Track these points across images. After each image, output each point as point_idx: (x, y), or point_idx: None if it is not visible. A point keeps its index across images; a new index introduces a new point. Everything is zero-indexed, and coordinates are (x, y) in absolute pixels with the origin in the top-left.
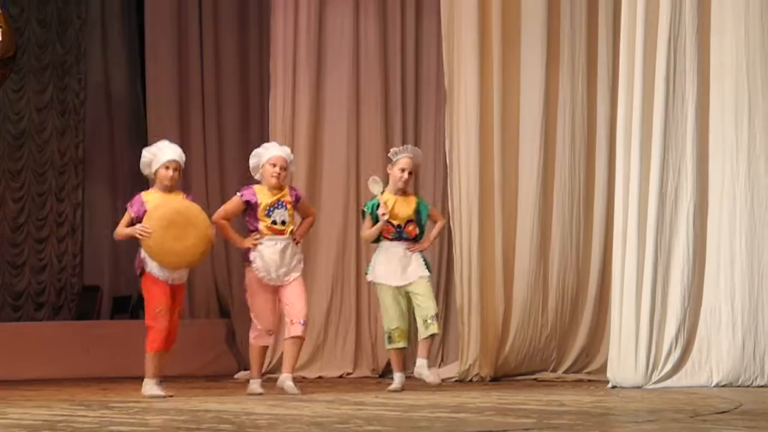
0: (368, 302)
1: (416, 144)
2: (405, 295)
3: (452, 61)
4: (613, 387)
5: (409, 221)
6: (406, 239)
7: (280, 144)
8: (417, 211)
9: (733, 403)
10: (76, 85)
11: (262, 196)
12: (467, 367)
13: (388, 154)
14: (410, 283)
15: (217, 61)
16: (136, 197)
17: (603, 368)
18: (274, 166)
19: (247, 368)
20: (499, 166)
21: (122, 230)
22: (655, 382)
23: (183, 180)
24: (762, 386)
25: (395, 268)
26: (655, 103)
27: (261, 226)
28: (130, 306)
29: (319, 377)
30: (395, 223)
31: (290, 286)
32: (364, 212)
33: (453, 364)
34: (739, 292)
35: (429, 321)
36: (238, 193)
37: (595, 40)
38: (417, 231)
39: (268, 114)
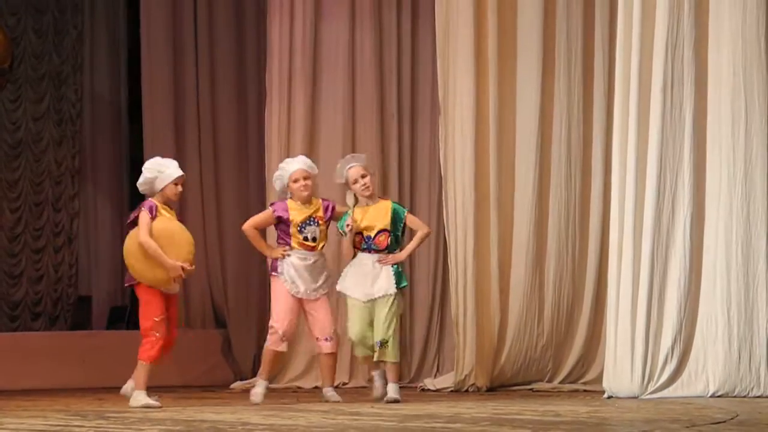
0: None
1: (412, 155)
2: (372, 307)
3: (447, 73)
4: (609, 397)
5: (381, 231)
6: (376, 250)
7: (294, 155)
8: (393, 220)
9: (729, 414)
10: (72, 96)
11: (294, 212)
12: (463, 377)
13: (336, 176)
14: (375, 299)
15: (213, 70)
16: (153, 204)
17: (599, 378)
18: (297, 181)
19: (243, 378)
20: (495, 176)
21: (167, 261)
22: (651, 393)
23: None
24: (758, 397)
25: (363, 280)
26: (651, 113)
27: (293, 242)
28: (127, 316)
29: (315, 387)
30: (365, 234)
31: (318, 302)
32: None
33: (449, 374)
34: (735, 301)
35: (377, 348)
36: (270, 207)
37: (591, 51)
38: (388, 241)
39: (264, 124)
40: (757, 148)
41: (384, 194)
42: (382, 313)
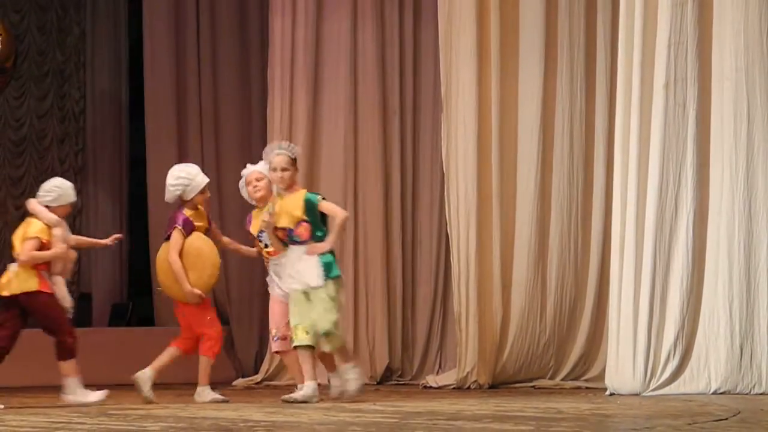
0: (365, 309)
1: (414, 151)
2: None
3: (450, 70)
4: (611, 394)
5: (300, 222)
6: (299, 242)
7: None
8: (307, 209)
9: (730, 411)
10: (76, 93)
11: (255, 222)
12: (465, 374)
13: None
14: (309, 291)
15: (215, 68)
16: (188, 221)
17: (601, 375)
18: (249, 184)
19: (245, 375)
20: (497, 174)
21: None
22: (653, 390)
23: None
24: (760, 394)
25: (291, 272)
26: (653, 111)
27: (262, 251)
28: (128, 314)
29: (317, 384)
30: (283, 226)
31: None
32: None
33: (451, 371)
34: (737, 299)
35: (321, 336)
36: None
37: (593, 48)
38: (310, 231)
39: (266, 121)
40: (760, 146)
41: (385, 191)
42: (315, 304)
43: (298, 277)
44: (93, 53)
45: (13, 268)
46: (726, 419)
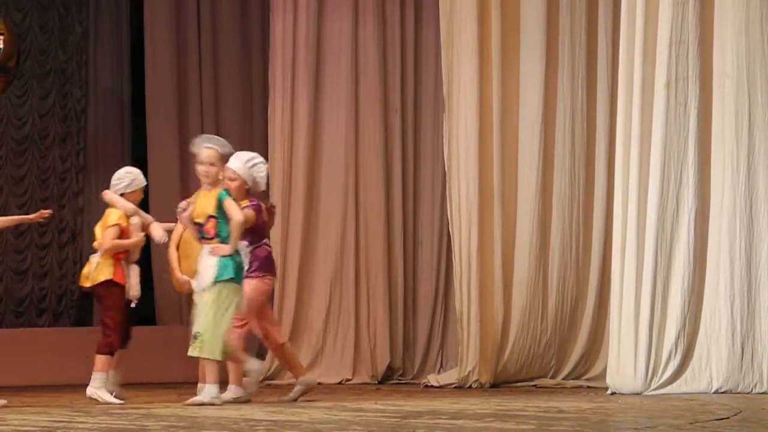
0: (367, 309)
1: (415, 150)
2: None
3: (451, 68)
4: (613, 393)
5: (209, 218)
6: (206, 239)
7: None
8: (218, 206)
9: (732, 410)
10: (78, 92)
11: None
12: (466, 373)
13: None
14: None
15: (216, 67)
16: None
17: (602, 374)
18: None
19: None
20: (498, 172)
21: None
22: (654, 389)
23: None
24: (761, 393)
25: (198, 270)
26: (655, 109)
27: None
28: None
29: (318, 383)
30: (197, 221)
31: None
32: None
33: (452, 370)
34: (739, 298)
35: (192, 340)
36: None
37: (594, 47)
38: (217, 229)
39: (267, 119)
40: (761, 144)
41: (386, 190)
42: (201, 306)
43: (198, 278)
44: (95, 52)
45: (95, 258)
46: (727, 418)
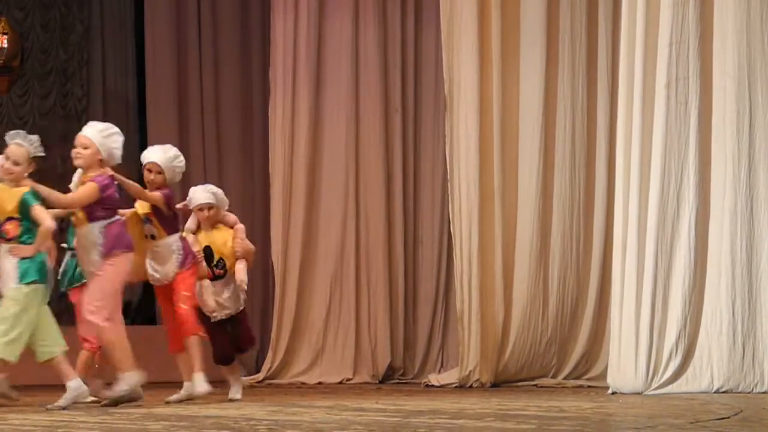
0: (367, 308)
1: (415, 149)
2: None
3: (452, 68)
4: (613, 393)
5: (9, 218)
6: (5, 239)
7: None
8: (21, 208)
9: (732, 410)
10: (78, 91)
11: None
12: (467, 373)
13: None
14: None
15: (217, 66)
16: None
17: (603, 374)
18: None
19: (248, 374)
20: (499, 172)
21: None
22: (655, 388)
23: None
24: (762, 393)
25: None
26: (655, 110)
27: None
28: (131, 311)
29: (319, 383)
30: None
31: None
32: None
33: (453, 369)
34: (739, 297)
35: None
36: None
37: (594, 46)
38: (19, 230)
39: (268, 119)
40: (761, 144)
41: (387, 189)
42: (5, 306)
43: (3, 278)
44: (96, 51)
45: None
46: (728, 418)
